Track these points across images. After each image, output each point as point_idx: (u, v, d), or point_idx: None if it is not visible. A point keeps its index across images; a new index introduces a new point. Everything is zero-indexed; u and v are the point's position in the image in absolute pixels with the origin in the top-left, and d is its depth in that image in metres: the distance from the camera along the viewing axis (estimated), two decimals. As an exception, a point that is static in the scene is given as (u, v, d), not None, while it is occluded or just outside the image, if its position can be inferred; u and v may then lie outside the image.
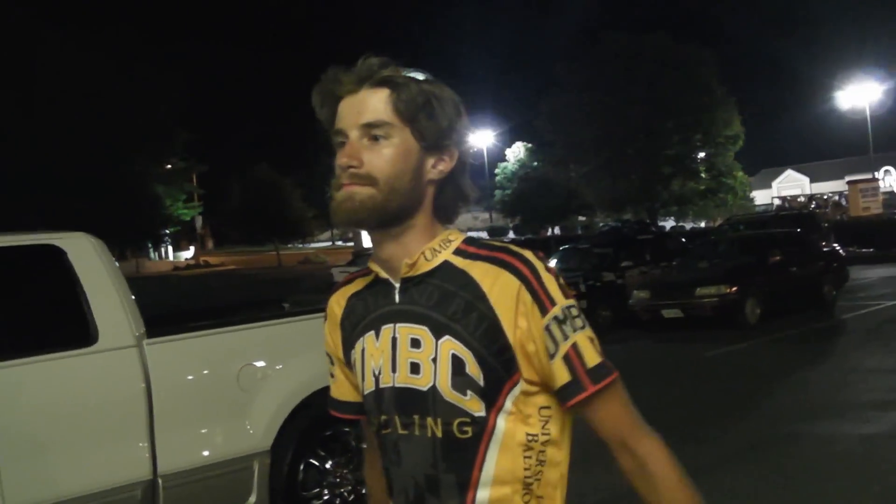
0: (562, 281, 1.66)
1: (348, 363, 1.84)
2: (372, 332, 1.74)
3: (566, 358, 1.61)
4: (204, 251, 74.37)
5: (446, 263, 1.69)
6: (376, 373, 1.73)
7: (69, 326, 4.84)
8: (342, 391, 1.91)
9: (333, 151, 1.69)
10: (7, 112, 38.56)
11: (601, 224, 57.06)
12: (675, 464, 1.66)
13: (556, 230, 61.05)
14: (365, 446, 2.02)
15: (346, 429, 5.55)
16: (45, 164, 39.35)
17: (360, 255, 37.08)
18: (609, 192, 52.82)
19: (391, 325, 1.71)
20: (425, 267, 1.69)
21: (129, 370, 4.80)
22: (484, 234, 68.43)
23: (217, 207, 66.41)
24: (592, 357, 1.62)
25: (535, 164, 64.59)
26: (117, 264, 5.16)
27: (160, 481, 4.79)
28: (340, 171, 1.64)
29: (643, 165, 51.03)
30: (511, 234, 64.33)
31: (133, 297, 5.05)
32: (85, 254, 4.94)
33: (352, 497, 5.56)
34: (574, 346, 1.61)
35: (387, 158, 1.63)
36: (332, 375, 1.92)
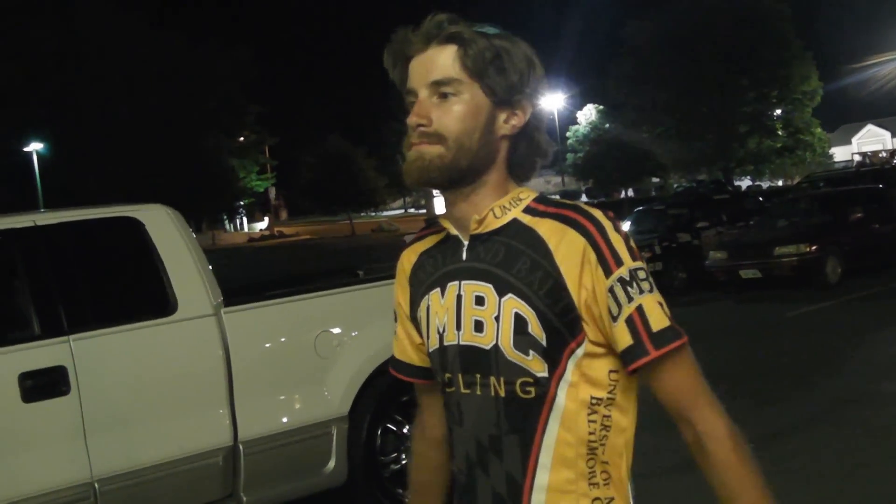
0: (632, 243, 1.61)
1: (414, 320, 1.82)
2: (438, 289, 1.73)
3: (629, 321, 1.56)
4: (278, 222, 75.33)
5: (515, 221, 1.66)
6: (441, 330, 1.71)
7: (149, 297, 4.93)
8: (403, 351, 1.89)
9: (407, 113, 1.67)
10: (86, 93, 39.47)
11: (675, 185, 56.37)
12: (736, 442, 1.59)
13: (630, 192, 60.48)
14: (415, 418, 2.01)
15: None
16: (123, 142, 40.20)
17: (433, 223, 37.22)
18: (683, 153, 52.07)
19: (457, 283, 1.69)
20: (494, 224, 1.67)
21: (209, 339, 4.87)
22: (557, 198, 68.10)
23: (290, 178, 67.14)
24: (659, 321, 1.57)
25: (608, 126, 63.88)
26: (194, 235, 5.23)
27: (241, 447, 4.86)
28: (411, 131, 1.62)
29: (717, 124, 50.15)
30: (584, 198, 63.90)
31: (210, 267, 5.11)
32: (162, 225, 5.01)
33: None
34: (639, 308, 1.56)
35: (455, 116, 1.61)
36: (396, 333, 1.91)
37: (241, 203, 62.76)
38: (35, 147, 45.53)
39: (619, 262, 1.57)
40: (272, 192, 73.87)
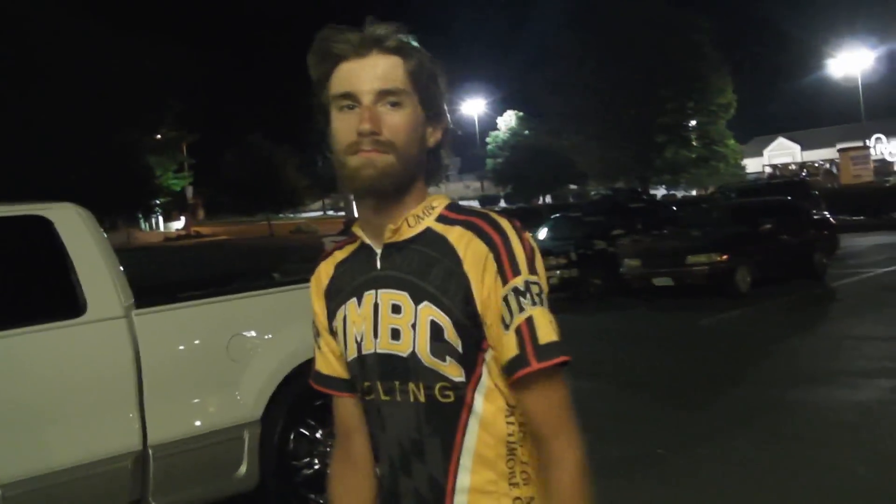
0: (536, 255, 1.64)
1: (332, 332, 1.83)
2: (354, 299, 1.74)
3: (518, 330, 1.59)
4: (195, 221, 74.23)
5: (428, 230, 1.69)
6: (358, 339, 1.73)
7: (57, 297, 4.82)
8: (327, 364, 1.89)
9: (323, 111, 1.69)
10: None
11: (593, 192, 57.04)
12: (583, 476, 1.61)
13: (548, 199, 61.05)
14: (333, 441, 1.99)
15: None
16: (36, 135, 39.17)
17: (352, 224, 37.09)
18: (602, 161, 52.75)
19: (373, 291, 1.71)
20: (408, 233, 1.69)
21: (118, 341, 4.79)
22: (475, 203, 68.40)
23: (209, 177, 66.27)
24: (547, 334, 1.59)
25: (527, 132, 64.41)
26: (105, 235, 5.13)
27: (150, 452, 4.78)
28: (358, 137, 1.61)
29: (637, 133, 50.90)
30: (503, 203, 64.33)
31: (122, 267, 5.03)
32: (72, 224, 4.91)
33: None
34: (528, 319, 1.59)
35: (404, 126, 1.64)
36: (318, 347, 1.91)
37: (158, 202, 61.68)
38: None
39: (517, 272, 1.60)
40: (189, 191, 72.82)
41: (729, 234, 16.41)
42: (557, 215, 22.71)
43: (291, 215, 72.11)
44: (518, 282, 1.60)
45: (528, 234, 1.66)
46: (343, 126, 1.64)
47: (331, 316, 1.82)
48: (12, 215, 4.91)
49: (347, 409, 1.88)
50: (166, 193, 61.15)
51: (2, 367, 4.46)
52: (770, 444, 6.66)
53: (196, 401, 5.05)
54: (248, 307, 5.46)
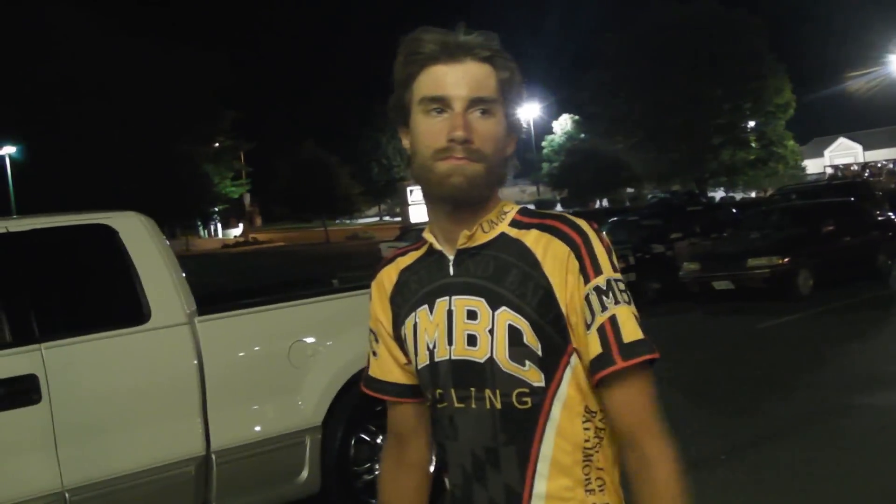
0: (614, 255, 1.64)
1: (398, 338, 1.81)
2: (425, 306, 1.73)
3: (601, 329, 1.58)
4: (252, 228, 75.05)
5: (503, 235, 1.68)
6: (430, 346, 1.71)
7: (122, 305, 4.89)
8: (384, 369, 1.87)
9: (402, 114, 1.68)
10: (54, 101, 39.22)
11: (649, 196, 56.60)
12: (679, 473, 1.60)
13: (605, 202, 60.69)
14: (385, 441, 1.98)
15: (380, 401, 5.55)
16: (97, 147, 39.93)
17: (408, 230, 37.14)
18: (656, 164, 52.34)
19: (446, 298, 1.70)
20: (482, 239, 1.69)
21: (182, 347, 4.85)
22: (531, 208, 68.18)
23: (265, 185, 66.93)
24: (631, 332, 1.59)
25: (582, 136, 64.11)
26: (168, 243, 5.21)
27: (213, 457, 4.84)
28: (448, 143, 1.60)
29: (691, 136, 50.43)
30: (559, 207, 64.07)
31: (184, 274, 5.09)
32: (136, 233, 4.98)
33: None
34: (612, 318, 1.59)
35: (494, 135, 1.63)
36: (375, 353, 1.89)
37: (216, 209, 62.48)
38: (7, 151, 45.18)
39: (598, 272, 1.60)
40: (247, 199, 73.64)
41: (789, 236, 16.20)
42: (615, 219, 22.57)
43: (347, 221, 72.54)
44: (600, 280, 1.59)
45: (604, 234, 1.65)
46: (431, 130, 1.61)
47: (398, 322, 1.80)
48: (78, 224, 5.00)
49: (405, 414, 1.88)
50: (224, 201, 61.92)
51: (69, 373, 4.54)
52: (829, 449, 6.56)
53: (258, 406, 5.09)
54: (308, 313, 5.50)
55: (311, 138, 63.56)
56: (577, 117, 66.15)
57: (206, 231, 71.88)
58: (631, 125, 52.12)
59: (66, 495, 4.41)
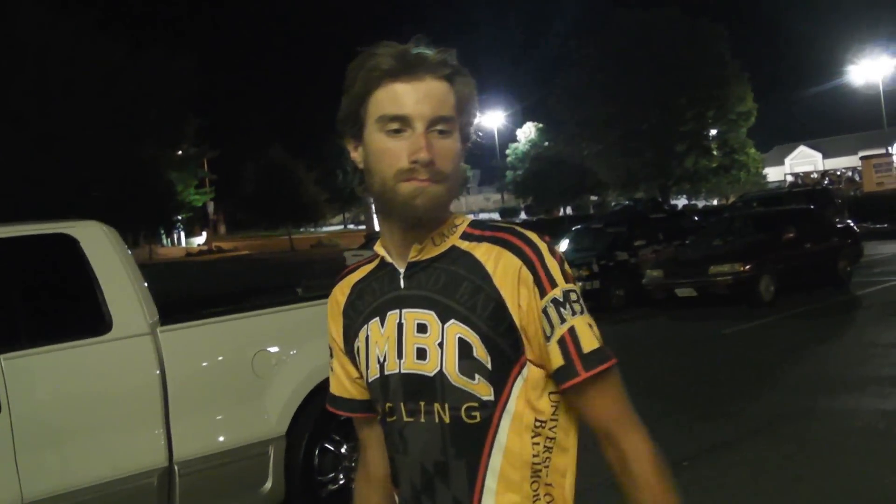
0: (566, 266, 1.64)
1: (350, 353, 1.81)
2: (377, 319, 1.73)
3: (561, 341, 1.59)
4: (216, 236, 74.56)
5: (453, 248, 1.68)
6: (381, 360, 1.71)
7: (83, 315, 4.84)
8: (340, 386, 1.88)
9: (354, 125, 1.65)
10: (19, 101, 38.75)
11: (613, 203, 56.93)
12: (658, 464, 1.62)
13: (569, 210, 60.98)
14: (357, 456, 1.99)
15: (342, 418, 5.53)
16: (57, 153, 39.48)
17: (373, 238, 37.13)
18: (622, 170, 52.66)
19: (397, 311, 1.70)
20: (433, 252, 1.68)
21: (144, 358, 4.80)
22: (496, 216, 68.32)
23: (229, 192, 66.58)
24: (589, 342, 1.60)
25: (546, 143, 64.38)
26: (130, 252, 5.16)
27: (176, 468, 4.79)
28: (411, 164, 1.57)
29: (656, 142, 50.79)
30: (523, 215, 64.30)
31: (146, 284, 5.05)
32: (97, 242, 4.94)
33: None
34: (571, 329, 1.60)
35: (453, 154, 1.63)
36: (332, 369, 1.90)
37: (179, 217, 61.99)
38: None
39: (553, 284, 1.60)
40: (211, 207, 73.16)
41: (751, 243, 16.35)
42: (579, 227, 22.69)
43: (312, 229, 72.32)
44: (556, 293, 1.60)
45: (556, 247, 1.66)
46: (392, 150, 1.59)
47: (350, 337, 1.80)
48: (39, 234, 4.95)
49: (364, 429, 1.89)
50: (188, 209, 61.42)
51: (29, 384, 4.48)
52: (797, 452, 6.62)
53: (221, 417, 5.05)
54: (272, 323, 5.47)
55: (277, 144, 63.26)
56: (540, 125, 66.42)
57: (169, 239, 71.29)
58: (596, 131, 52.35)
59: (26, 508, 4.35)
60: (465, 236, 1.69)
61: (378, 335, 1.72)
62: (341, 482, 5.52)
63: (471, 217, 1.76)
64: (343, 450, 5.54)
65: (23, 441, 4.38)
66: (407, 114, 1.58)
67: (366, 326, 1.75)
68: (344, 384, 1.87)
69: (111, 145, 41.77)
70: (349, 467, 5.54)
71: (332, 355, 1.89)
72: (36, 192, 34.31)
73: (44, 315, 4.92)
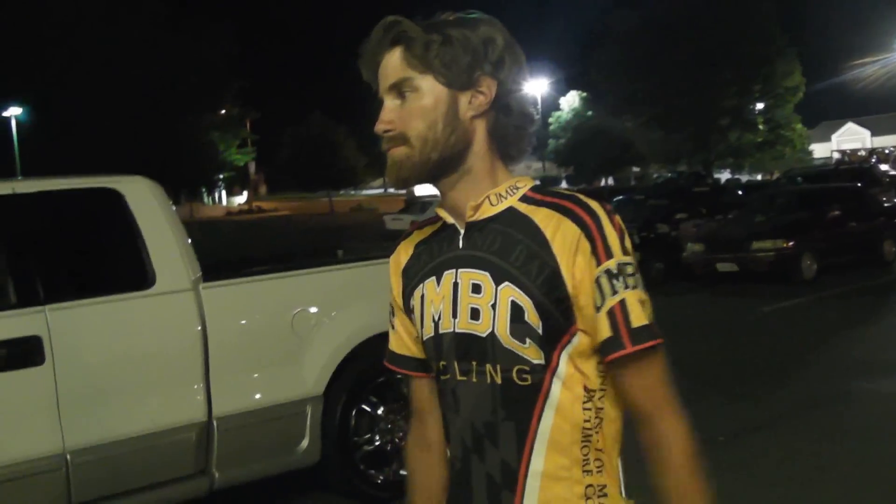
0: (627, 237, 1.62)
1: (408, 310, 1.82)
2: (433, 278, 1.73)
3: (610, 313, 1.57)
4: (257, 197, 74.99)
5: (511, 209, 1.66)
6: (436, 318, 1.71)
7: (127, 269, 4.89)
8: (401, 344, 1.88)
9: None
10: (68, 65, 39.20)
11: (655, 176, 56.51)
12: (693, 452, 1.61)
13: (610, 181, 60.62)
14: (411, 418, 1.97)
15: (398, 376, 5.56)
16: (104, 112, 39.90)
17: (413, 203, 37.15)
18: (664, 144, 52.18)
19: (453, 271, 1.69)
20: (489, 212, 1.67)
21: (186, 313, 4.85)
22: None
23: (271, 154, 66.82)
24: (638, 317, 1.58)
25: (590, 113, 63.89)
26: (174, 208, 5.20)
27: (215, 423, 4.85)
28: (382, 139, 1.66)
29: (699, 117, 50.22)
30: (564, 184, 64.00)
31: (189, 240, 5.09)
32: (142, 197, 4.97)
33: (403, 444, 5.57)
34: (622, 302, 1.57)
35: (414, 113, 1.62)
36: (393, 327, 1.90)
37: (221, 177, 62.43)
38: (13, 112, 45.08)
39: (610, 255, 1.58)
40: (252, 167, 73.56)
41: (795, 220, 16.17)
42: (621, 197, 22.55)
43: (352, 192, 72.47)
44: (611, 264, 1.58)
45: (618, 216, 1.64)
46: (375, 130, 1.68)
47: (408, 294, 1.80)
48: (85, 187, 5.00)
49: (421, 389, 1.88)
50: (229, 168, 61.83)
51: (72, 336, 4.54)
52: (831, 435, 6.55)
53: (260, 374, 5.09)
54: (313, 283, 5.49)
55: (319, 109, 63.40)
56: (584, 94, 65.88)
57: (210, 198, 71.79)
58: (638, 104, 51.85)
59: (68, 457, 4.43)
60: (525, 199, 1.67)
61: (434, 294, 1.72)
62: (377, 444, 5.55)
63: (535, 181, 1.73)
64: (379, 412, 5.57)
65: (65, 391, 4.45)
66: (380, 95, 1.68)
67: (422, 285, 1.75)
68: (404, 341, 1.87)
69: (152, 107, 42.17)
70: (385, 429, 5.57)
71: (393, 313, 1.89)
72: (79, 152, 34.72)
73: (88, 268, 4.98)
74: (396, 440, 5.58)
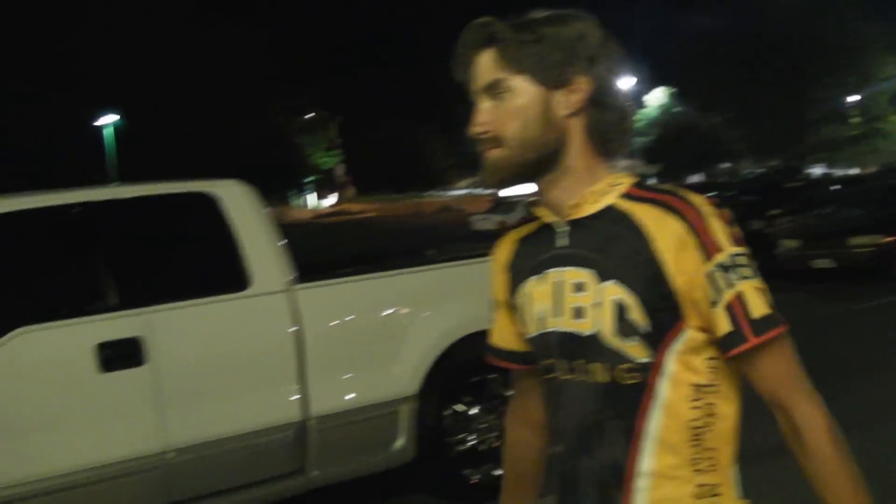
0: (734, 228, 1.59)
1: (511, 307, 1.82)
2: (536, 276, 1.72)
3: (728, 307, 1.54)
4: (345, 199, 75.67)
5: (612, 206, 1.64)
6: (540, 316, 1.70)
7: (223, 271, 4.98)
8: (502, 338, 1.89)
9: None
10: (160, 76, 40.26)
11: (746, 171, 55.54)
12: (833, 435, 1.57)
13: (699, 177, 59.74)
14: (510, 396, 2.00)
15: (492, 376, 5.56)
16: (194, 118, 40.83)
17: (500, 203, 37.11)
18: (754, 138, 51.27)
19: (556, 269, 1.68)
20: (590, 209, 1.65)
21: (281, 314, 4.91)
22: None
23: (358, 156, 67.44)
24: (758, 308, 1.55)
25: (677, 109, 63.09)
26: (268, 210, 5.27)
27: (310, 423, 4.90)
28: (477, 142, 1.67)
29: (789, 110, 49.21)
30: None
31: (283, 242, 5.15)
32: (238, 200, 5.06)
33: (497, 444, 5.56)
34: (739, 294, 1.54)
35: (509, 114, 1.62)
36: (493, 322, 1.90)
37: (309, 179, 63.26)
38: (109, 120, 46.30)
39: (719, 248, 1.55)
40: (339, 169, 74.27)
41: (894, 214, 15.68)
42: (712, 194, 22.17)
43: (439, 193, 72.72)
44: (722, 257, 1.55)
45: (725, 209, 1.61)
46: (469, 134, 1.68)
47: (512, 292, 1.80)
48: (182, 192, 5.11)
49: (524, 378, 1.89)
50: (317, 171, 62.58)
51: (172, 336, 4.64)
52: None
53: (354, 374, 5.13)
54: (405, 283, 5.51)
55: (405, 110, 63.80)
56: (672, 89, 65.06)
57: (299, 201, 72.73)
58: (729, 98, 51.02)
59: (168, 456, 4.52)
60: (627, 196, 1.65)
61: (537, 292, 1.71)
62: (471, 443, 5.55)
63: (635, 177, 1.70)
64: (473, 412, 5.56)
65: (165, 391, 4.56)
66: (473, 99, 1.68)
67: (526, 282, 1.74)
68: (505, 336, 1.88)
69: (241, 112, 43.03)
70: (479, 429, 5.56)
71: (493, 308, 1.90)
72: (171, 158, 35.60)
73: (186, 270, 5.08)
74: (490, 440, 5.56)
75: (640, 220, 1.60)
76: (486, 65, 1.63)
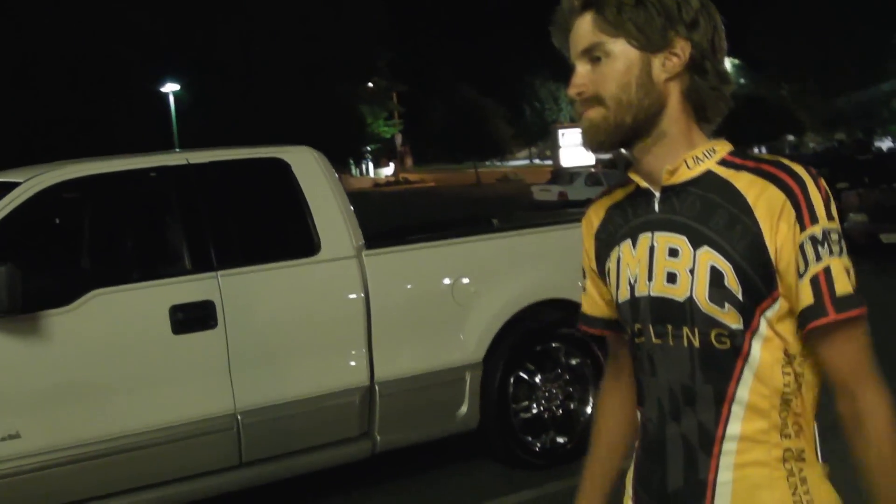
0: (832, 203, 1.57)
1: (602, 274, 1.81)
2: (629, 241, 1.71)
3: (814, 280, 1.53)
4: (403, 168, 75.74)
5: (709, 173, 1.63)
6: (632, 281, 1.70)
7: (294, 237, 5.04)
8: (592, 305, 1.89)
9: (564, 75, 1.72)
10: (224, 44, 40.50)
11: (812, 144, 54.58)
12: (893, 427, 1.54)
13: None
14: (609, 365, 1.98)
15: (556, 345, 5.57)
16: (257, 87, 41.08)
17: (560, 174, 36.91)
18: (823, 111, 50.30)
19: (649, 234, 1.67)
20: (687, 175, 1.64)
21: (350, 280, 4.96)
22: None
23: (418, 126, 67.37)
24: (843, 285, 1.53)
25: (742, 81, 62.06)
26: (338, 177, 5.31)
27: (377, 388, 4.96)
28: (575, 104, 1.67)
29: (861, 82, 48.16)
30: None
31: (352, 208, 5.19)
32: (308, 167, 5.10)
33: (560, 412, 5.58)
34: (826, 269, 1.53)
35: (608, 76, 1.61)
36: (584, 289, 1.90)
37: (369, 149, 63.38)
38: (171, 88, 46.76)
39: (815, 220, 1.54)
40: (399, 139, 74.32)
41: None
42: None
43: (498, 164, 72.45)
44: (816, 230, 1.54)
45: (823, 180, 1.59)
46: (568, 94, 1.69)
47: (602, 257, 1.80)
48: (254, 158, 5.17)
49: (618, 343, 1.89)
50: (376, 141, 62.68)
51: (243, 300, 4.71)
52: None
53: (421, 340, 5.17)
54: (473, 251, 5.53)
55: (466, 80, 63.46)
56: (737, 61, 64.01)
57: (357, 170, 72.91)
58: (799, 70, 50.04)
59: (239, 417, 4.61)
60: (724, 163, 1.64)
61: (630, 257, 1.71)
62: (534, 411, 5.56)
63: (730, 145, 1.69)
64: (537, 380, 5.57)
65: (236, 354, 4.63)
66: (571, 62, 1.68)
67: (617, 248, 1.74)
68: (596, 303, 1.88)
69: (303, 81, 43.16)
70: (542, 397, 5.57)
71: (584, 275, 1.90)
72: (232, 127, 35.85)
73: (257, 235, 5.15)
74: (554, 408, 5.58)
75: (741, 187, 1.59)
76: (584, 29, 1.63)
